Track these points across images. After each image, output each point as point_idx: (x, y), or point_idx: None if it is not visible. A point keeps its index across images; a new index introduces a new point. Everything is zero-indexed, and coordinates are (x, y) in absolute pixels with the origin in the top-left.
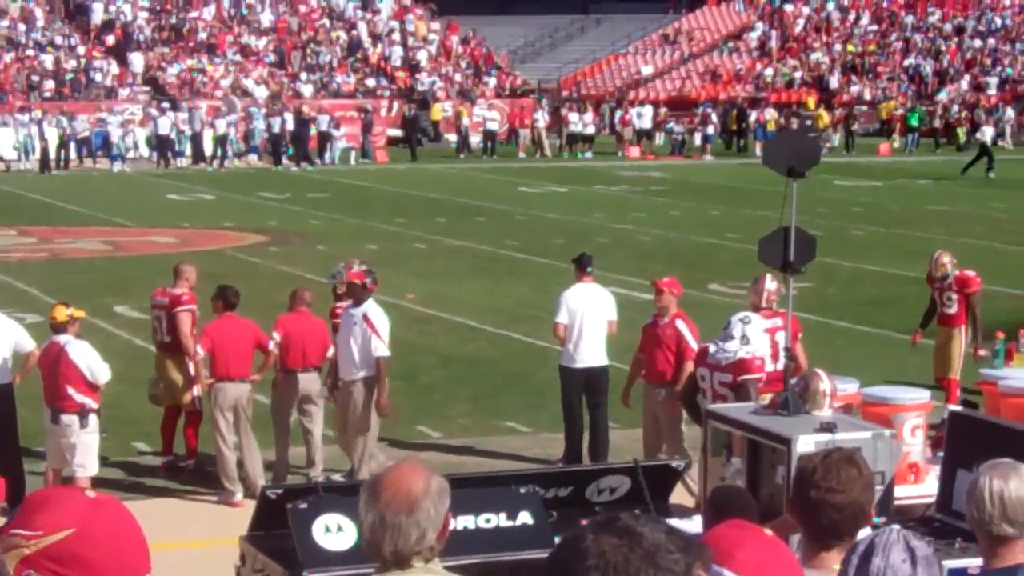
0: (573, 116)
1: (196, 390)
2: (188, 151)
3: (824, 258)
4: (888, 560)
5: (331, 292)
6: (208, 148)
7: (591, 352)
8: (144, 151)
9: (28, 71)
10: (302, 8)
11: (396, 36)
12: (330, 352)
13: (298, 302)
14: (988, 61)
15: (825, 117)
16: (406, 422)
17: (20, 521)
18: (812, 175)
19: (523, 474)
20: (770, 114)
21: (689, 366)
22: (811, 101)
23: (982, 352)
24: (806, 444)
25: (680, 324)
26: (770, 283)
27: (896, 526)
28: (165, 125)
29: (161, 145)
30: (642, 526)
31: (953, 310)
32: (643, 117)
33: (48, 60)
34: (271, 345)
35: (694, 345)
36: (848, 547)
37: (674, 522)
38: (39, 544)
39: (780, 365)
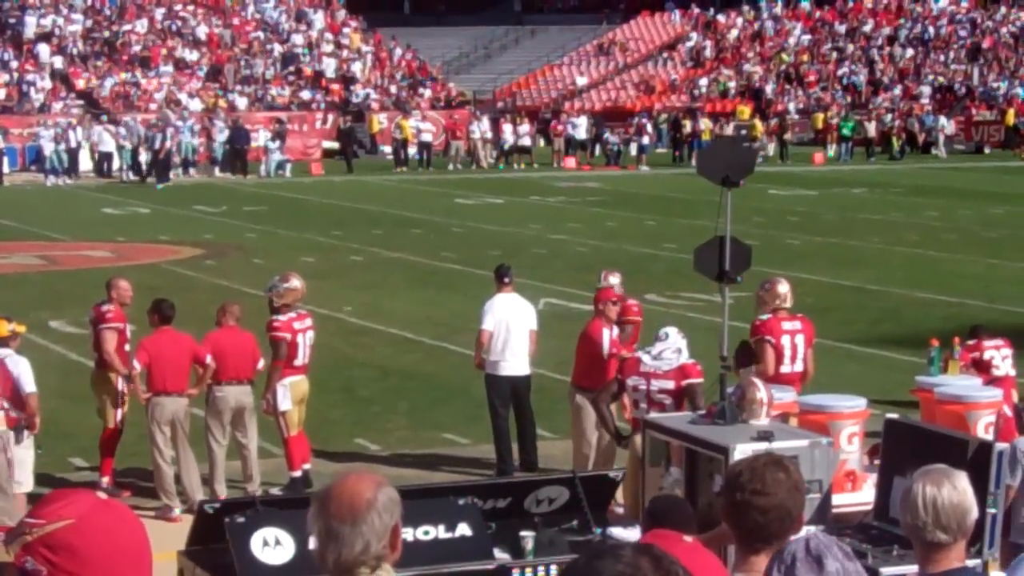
0: (507, 127)
1: (120, 412)
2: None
3: (760, 267)
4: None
5: (267, 305)
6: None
7: (515, 361)
8: (88, 165)
9: None
10: (235, 21)
11: (330, 48)
12: (260, 364)
13: (227, 316)
14: (922, 70)
15: (759, 127)
16: (344, 435)
17: (31, 512)
18: (747, 184)
19: (461, 486)
20: (705, 124)
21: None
22: (746, 111)
23: None
24: (743, 453)
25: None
26: (783, 287)
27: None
28: (108, 140)
29: (101, 160)
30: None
31: None
32: (578, 128)
33: None
34: (208, 358)
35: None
36: (775, 551)
37: (614, 531)
38: (40, 532)
39: (798, 367)
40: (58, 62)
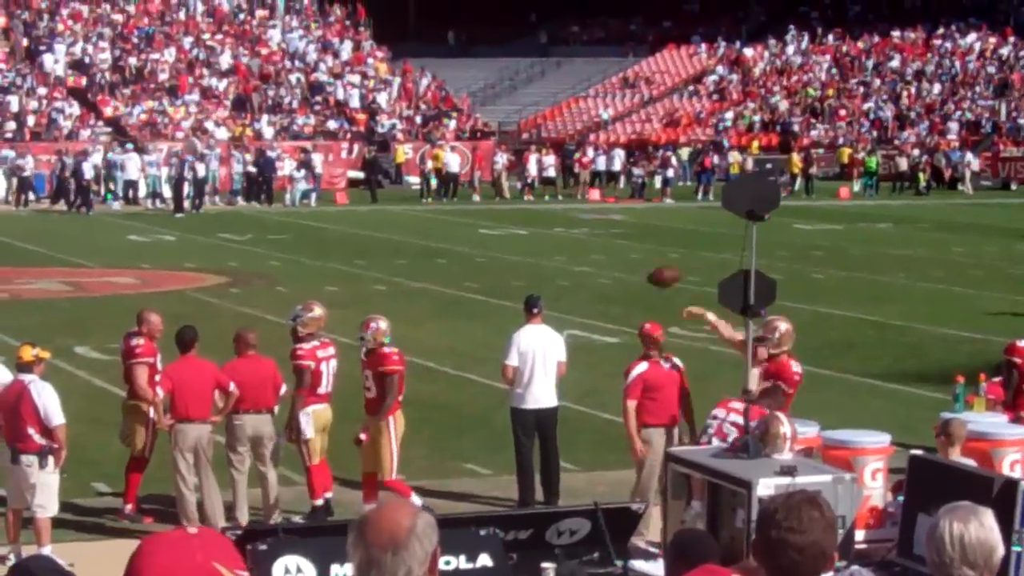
0: (532, 158)
1: (148, 440)
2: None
3: (784, 302)
4: None
5: (290, 334)
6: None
7: (542, 393)
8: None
9: None
10: (263, 50)
11: (356, 78)
12: (283, 391)
13: (243, 345)
14: (948, 106)
15: (796, 161)
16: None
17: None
18: (772, 218)
19: (483, 516)
20: (734, 157)
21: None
22: (755, 145)
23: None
24: (766, 487)
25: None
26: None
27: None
28: (133, 168)
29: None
30: None
31: None
32: (611, 160)
33: (13, 102)
34: (231, 386)
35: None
36: None
37: (636, 564)
38: None
39: None
40: (86, 90)
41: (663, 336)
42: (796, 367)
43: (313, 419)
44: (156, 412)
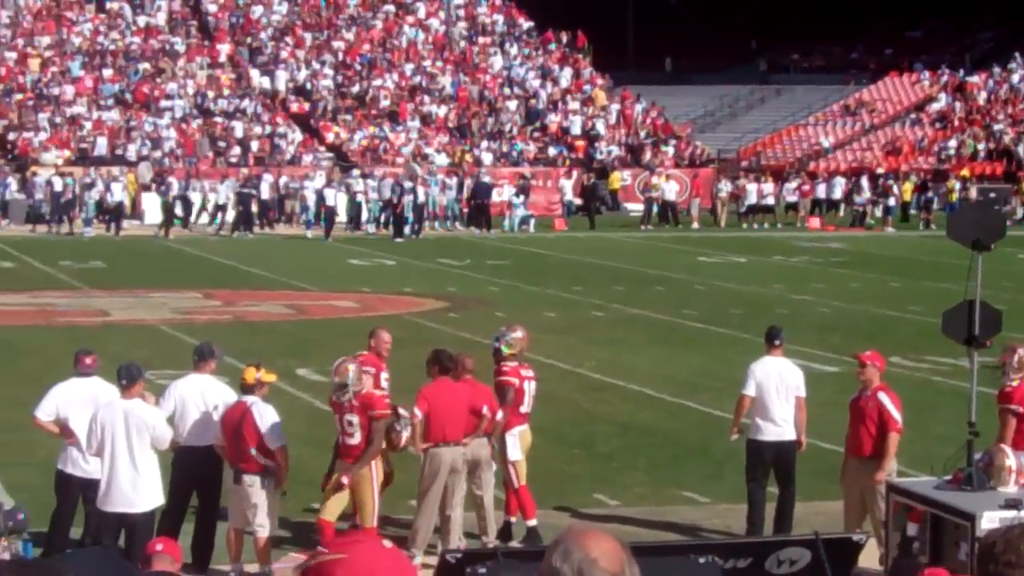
0: (751, 187)
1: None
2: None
3: (1009, 332)
4: None
5: (492, 355)
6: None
7: (780, 427)
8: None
9: (215, 137)
10: (483, 77)
11: (576, 105)
12: (499, 416)
13: (461, 370)
14: None
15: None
16: (584, 489)
17: (327, 541)
18: (995, 248)
19: (702, 544)
20: (955, 186)
21: (894, 438)
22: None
23: None
24: (991, 520)
25: (882, 397)
26: None
27: None
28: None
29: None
30: None
31: None
32: (831, 188)
33: (237, 127)
34: (484, 409)
35: (897, 417)
36: None
37: None
38: (316, 560)
39: None
40: (309, 116)
41: (876, 366)
42: None
43: (519, 440)
44: (412, 432)
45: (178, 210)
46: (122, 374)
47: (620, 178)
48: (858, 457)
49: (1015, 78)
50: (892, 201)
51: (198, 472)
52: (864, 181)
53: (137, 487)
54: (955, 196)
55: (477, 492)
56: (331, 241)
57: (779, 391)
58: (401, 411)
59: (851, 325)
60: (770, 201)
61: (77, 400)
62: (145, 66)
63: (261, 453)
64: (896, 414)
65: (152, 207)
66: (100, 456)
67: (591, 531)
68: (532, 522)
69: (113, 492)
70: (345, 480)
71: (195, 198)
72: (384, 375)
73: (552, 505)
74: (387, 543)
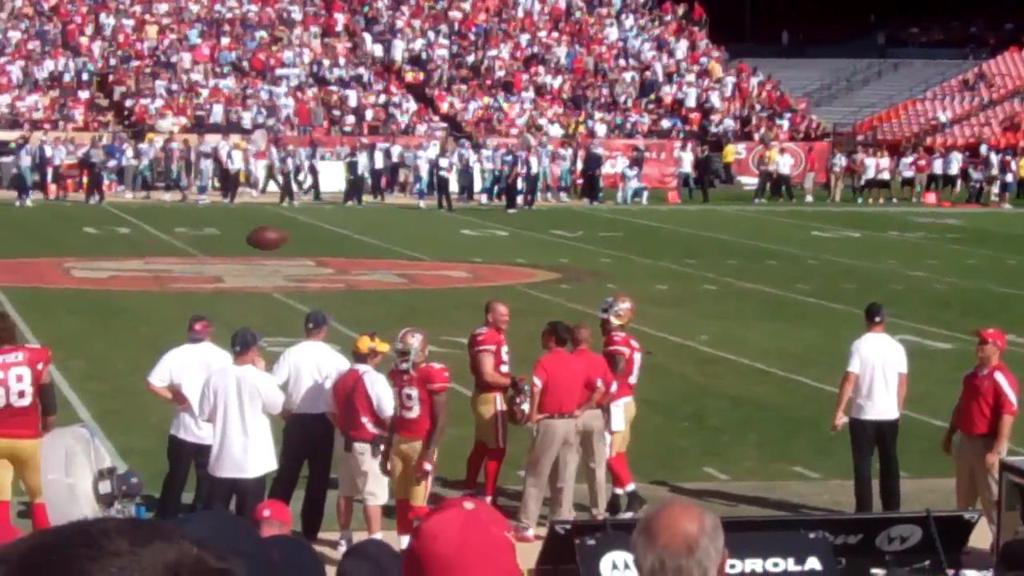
0: (869, 161)
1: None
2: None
3: None
4: None
5: (600, 326)
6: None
7: (884, 404)
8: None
9: (330, 106)
10: (598, 48)
11: (691, 77)
12: (614, 387)
13: (577, 341)
14: None
15: None
16: (693, 462)
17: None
18: None
19: (812, 519)
20: None
21: (1007, 420)
22: None
23: None
24: None
25: (999, 376)
26: None
27: None
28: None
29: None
30: None
31: None
32: (948, 163)
33: (351, 96)
34: (598, 381)
35: (1013, 398)
36: None
37: (968, 574)
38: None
39: None
40: (424, 86)
41: (997, 345)
42: None
43: (624, 411)
44: (531, 400)
45: (303, 178)
46: (236, 340)
47: (734, 151)
48: (969, 434)
49: None
50: (1010, 177)
51: (310, 439)
52: (992, 156)
53: (248, 453)
54: None
55: (591, 465)
56: (444, 212)
57: (883, 369)
58: (521, 382)
59: (966, 302)
60: (886, 176)
61: (190, 366)
62: (262, 34)
63: (372, 422)
64: (1012, 396)
65: (267, 176)
66: (212, 421)
67: (661, 516)
68: (627, 488)
69: (224, 457)
70: (428, 467)
71: (322, 167)
72: (504, 348)
73: (656, 479)
74: (469, 504)
